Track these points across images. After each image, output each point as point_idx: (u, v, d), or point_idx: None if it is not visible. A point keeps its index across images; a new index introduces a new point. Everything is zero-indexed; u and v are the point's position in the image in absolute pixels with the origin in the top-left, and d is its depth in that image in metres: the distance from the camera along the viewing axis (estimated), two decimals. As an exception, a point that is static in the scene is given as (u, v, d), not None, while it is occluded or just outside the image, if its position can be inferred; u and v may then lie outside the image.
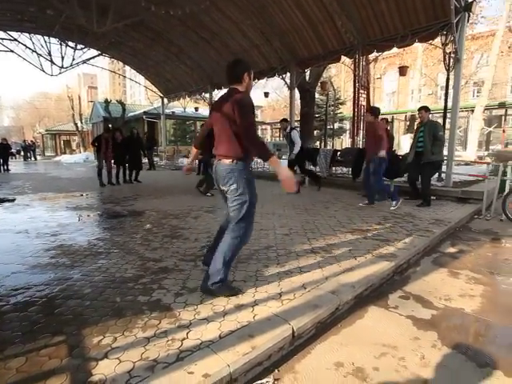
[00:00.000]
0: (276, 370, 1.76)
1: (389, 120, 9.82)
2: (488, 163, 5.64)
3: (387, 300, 2.55)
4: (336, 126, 20.69)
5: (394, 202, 5.41)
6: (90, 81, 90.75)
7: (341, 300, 2.28)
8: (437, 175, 7.61)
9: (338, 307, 2.26)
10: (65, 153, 30.69)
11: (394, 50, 7.92)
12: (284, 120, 7.60)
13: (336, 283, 2.49)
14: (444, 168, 6.66)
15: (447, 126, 7.05)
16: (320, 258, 3.06)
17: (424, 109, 5.59)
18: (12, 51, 11.16)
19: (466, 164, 12.52)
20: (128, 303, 2.18)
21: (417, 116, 5.75)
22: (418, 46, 22.45)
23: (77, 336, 1.80)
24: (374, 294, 2.63)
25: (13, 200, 6.27)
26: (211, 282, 2.24)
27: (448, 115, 7.41)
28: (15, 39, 10.56)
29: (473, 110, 17.80)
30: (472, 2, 5.92)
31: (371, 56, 8.78)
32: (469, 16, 6.21)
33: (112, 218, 4.84)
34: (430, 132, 5.42)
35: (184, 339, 1.77)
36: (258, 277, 2.63)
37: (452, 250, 3.77)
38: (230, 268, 2.34)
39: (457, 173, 6.79)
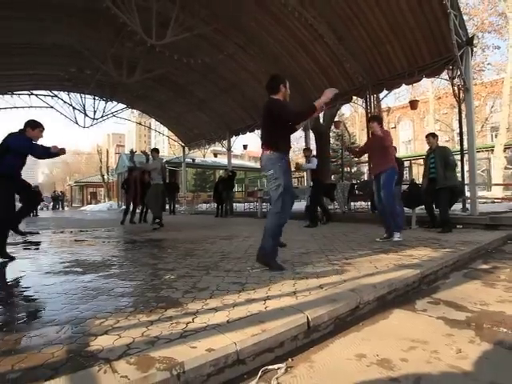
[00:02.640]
0: (290, 359, 1.57)
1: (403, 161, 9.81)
2: (513, 185, 5.38)
3: (414, 305, 2.31)
4: (354, 169, 20.77)
5: (398, 234, 4.55)
6: (119, 140, 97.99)
7: (361, 298, 2.09)
8: (461, 206, 7.34)
9: (359, 305, 2.07)
10: (91, 203, 32.09)
11: (406, 100, 8.20)
12: (307, 149, 7.69)
13: (356, 284, 2.31)
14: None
15: (465, 146, 6.93)
16: (338, 268, 2.89)
17: (431, 135, 5.66)
18: (52, 107, 12.49)
19: (493, 202, 12.02)
20: (135, 297, 2.09)
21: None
22: (429, 93, 23.27)
23: (78, 320, 1.72)
24: (399, 299, 2.40)
25: (37, 233, 6.48)
26: (261, 253, 2.80)
27: (465, 144, 7.35)
28: (56, 95, 11.91)
29: (493, 150, 17.60)
30: (473, 37, 6.24)
31: (385, 107, 9.15)
32: (472, 50, 6.49)
33: (128, 243, 4.87)
34: (440, 157, 5.39)
35: (189, 323, 1.65)
36: (271, 280, 2.49)
37: (485, 266, 3.46)
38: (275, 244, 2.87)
39: (481, 197, 6.49)
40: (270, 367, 1.47)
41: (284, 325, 1.64)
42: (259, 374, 1.42)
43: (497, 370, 1.44)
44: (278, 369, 1.47)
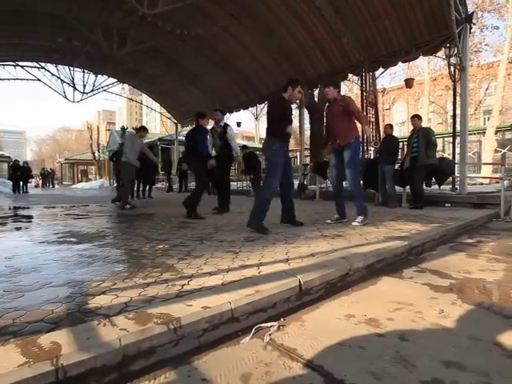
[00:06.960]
0: (282, 319, 1.64)
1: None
2: (503, 164, 5.51)
3: (401, 273, 2.40)
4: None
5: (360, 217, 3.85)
6: (109, 117, 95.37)
7: (351, 265, 2.16)
8: (450, 186, 7.48)
9: (349, 272, 2.14)
10: (81, 181, 31.65)
11: (402, 81, 8.11)
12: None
13: (346, 253, 2.39)
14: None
15: (457, 130, 6.98)
16: (330, 239, 2.96)
17: (416, 117, 5.95)
18: (39, 80, 12.02)
19: (481, 184, 12.26)
20: (130, 263, 2.13)
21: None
22: (424, 74, 23.03)
23: (75, 282, 1.75)
24: (388, 268, 2.49)
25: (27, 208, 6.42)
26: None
27: (457, 127, 7.39)
28: (43, 67, 11.43)
29: (484, 133, 17.74)
30: (472, 13, 6.13)
31: (380, 88, 9.05)
32: (470, 27, 6.40)
33: (121, 217, 4.88)
34: (423, 137, 5.65)
35: (184, 285, 1.70)
36: (264, 250, 2.55)
37: (470, 240, 3.58)
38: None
39: (471, 176, 6.62)
40: (264, 325, 1.54)
41: (277, 287, 1.70)
42: (253, 330, 1.49)
43: (475, 326, 1.54)
44: (271, 326, 1.54)
